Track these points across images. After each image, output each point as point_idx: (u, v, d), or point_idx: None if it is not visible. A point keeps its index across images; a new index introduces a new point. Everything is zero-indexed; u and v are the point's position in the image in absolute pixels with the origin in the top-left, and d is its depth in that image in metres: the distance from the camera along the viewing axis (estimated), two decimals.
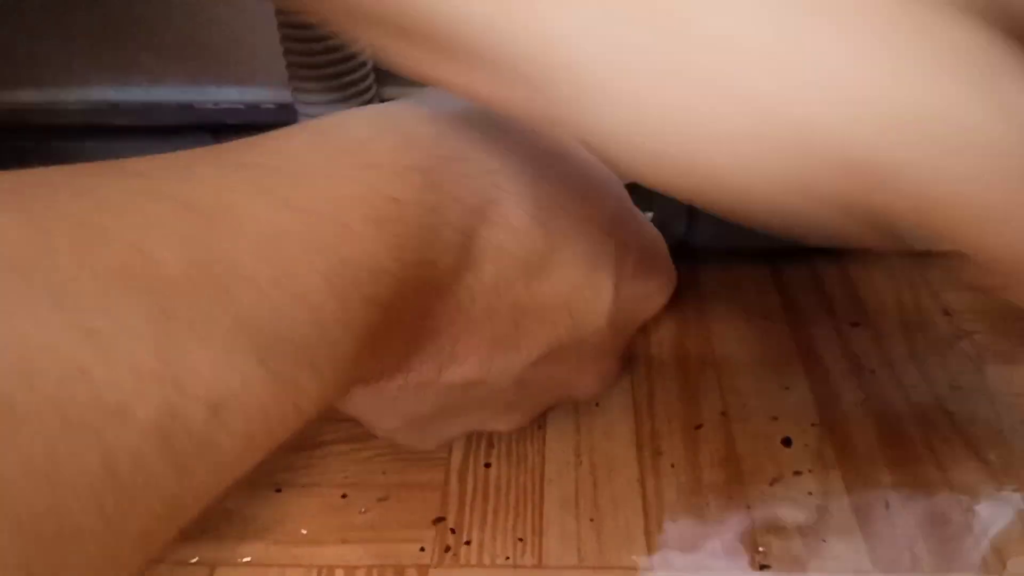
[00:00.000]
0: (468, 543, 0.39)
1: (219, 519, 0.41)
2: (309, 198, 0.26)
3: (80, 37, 0.50)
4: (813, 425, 0.45)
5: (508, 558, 0.39)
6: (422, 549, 0.39)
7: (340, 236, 0.26)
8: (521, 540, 0.39)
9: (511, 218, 0.33)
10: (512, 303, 0.34)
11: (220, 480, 0.23)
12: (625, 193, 0.39)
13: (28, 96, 0.51)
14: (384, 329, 0.28)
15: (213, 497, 0.24)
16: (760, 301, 0.55)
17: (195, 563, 0.39)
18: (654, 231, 0.42)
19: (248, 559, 0.39)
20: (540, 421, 0.46)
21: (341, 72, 0.44)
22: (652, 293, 0.40)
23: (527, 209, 0.33)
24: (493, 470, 0.43)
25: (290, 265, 0.24)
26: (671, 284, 0.41)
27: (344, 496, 0.42)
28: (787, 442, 0.44)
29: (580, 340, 0.37)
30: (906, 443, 0.43)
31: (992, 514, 0.40)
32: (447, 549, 0.39)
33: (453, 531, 0.40)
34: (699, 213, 0.56)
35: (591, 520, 0.40)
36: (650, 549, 0.39)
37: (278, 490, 0.42)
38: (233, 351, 0.22)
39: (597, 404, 0.47)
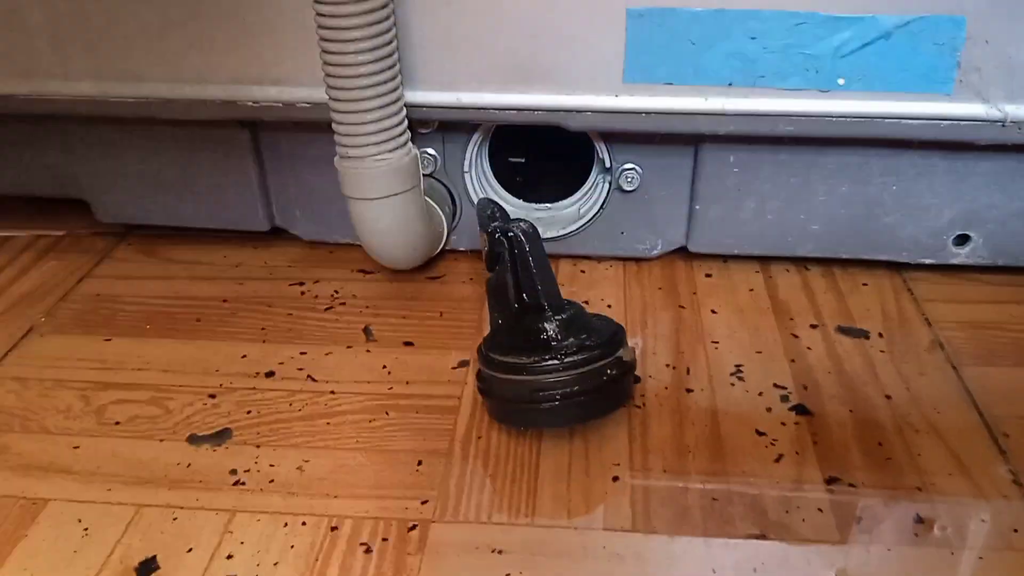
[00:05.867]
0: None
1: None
2: None
3: (138, 36, 0.54)
4: (793, 415, 0.48)
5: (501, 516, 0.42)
6: (422, 516, 0.42)
7: None
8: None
9: None
10: None
11: None
12: None
13: (86, 88, 0.56)
14: None
15: None
16: (752, 302, 0.58)
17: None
18: None
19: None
20: None
21: (374, 71, 0.48)
22: None
23: None
24: (493, 441, 0.47)
25: None
26: None
27: (353, 456, 0.46)
28: (760, 433, 0.47)
29: None
30: (881, 437, 0.47)
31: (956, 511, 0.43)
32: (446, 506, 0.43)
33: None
34: (696, 221, 0.60)
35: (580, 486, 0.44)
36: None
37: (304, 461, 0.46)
38: None
39: None
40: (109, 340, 0.56)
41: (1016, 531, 0.41)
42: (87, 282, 0.63)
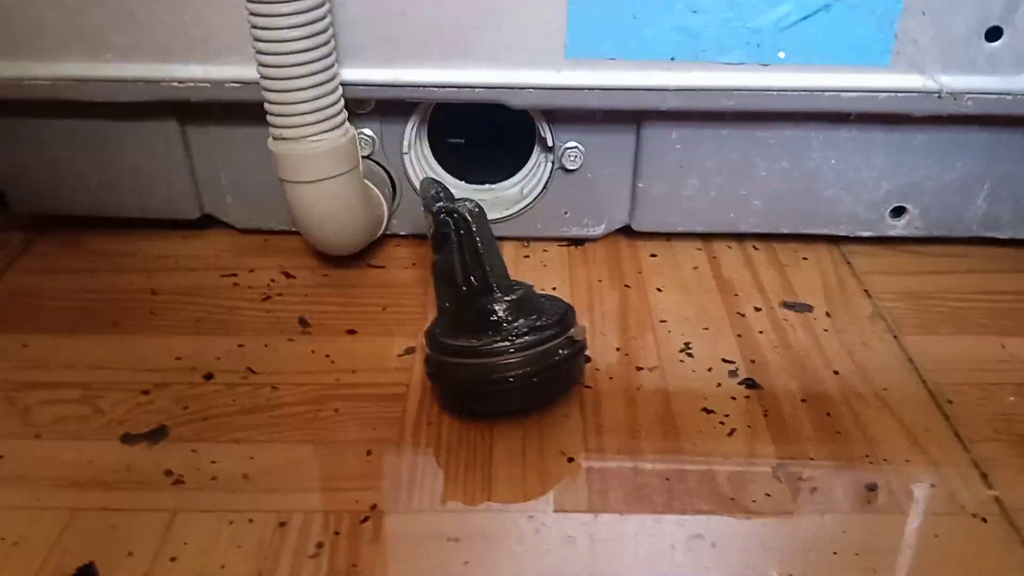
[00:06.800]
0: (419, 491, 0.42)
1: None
2: None
3: (52, 12, 0.51)
4: (743, 389, 0.48)
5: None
6: (373, 508, 0.41)
7: None
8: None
9: None
10: None
11: None
12: None
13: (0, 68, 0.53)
14: None
15: None
16: (697, 280, 0.58)
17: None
18: None
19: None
20: None
21: (308, 47, 0.46)
22: None
23: None
24: (444, 427, 0.46)
25: None
26: None
27: (299, 448, 0.44)
28: (711, 409, 0.47)
29: None
30: (829, 408, 0.47)
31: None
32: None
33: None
34: (640, 199, 0.60)
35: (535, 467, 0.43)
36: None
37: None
38: None
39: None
40: (32, 338, 0.53)
41: (965, 494, 0.41)
42: (6, 277, 0.59)
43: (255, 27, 0.47)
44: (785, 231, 0.61)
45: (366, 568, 0.38)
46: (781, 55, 0.51)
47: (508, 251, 0.61)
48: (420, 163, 0.60)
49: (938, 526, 0.40)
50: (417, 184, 0.59)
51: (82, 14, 0.51)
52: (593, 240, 0.62)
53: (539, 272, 0.59)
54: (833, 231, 0.61)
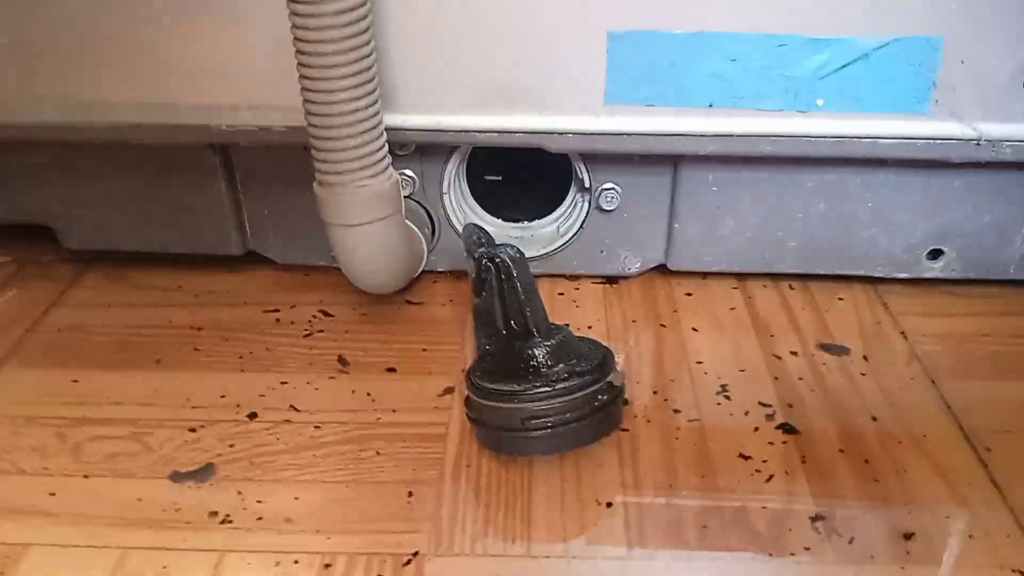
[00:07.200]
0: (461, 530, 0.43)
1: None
2: None
3: (107, 59, 0.53)
4: (780, 433, 0.49)
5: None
6: (415, 553, 0.42)
7: None
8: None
9: None
10: None
11: None
12: None
13: (54, 115, 0.54)
14: None
15: None
16: (733, 320, 0.59)
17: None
18: None
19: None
20: None
21: (355, 97, 0.47)
22: None
23: None
24: (484, 469, 0.46)
25: None
26: None
27: (342, 489, 0.45)
28: (749, 454, 0.47)
29: None
30: (867, 454, 0.47)
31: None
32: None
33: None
34: (676, 239, 0.60)
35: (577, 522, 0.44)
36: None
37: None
38: None
39: None
40: (81, 373, 0.54)
41: (1004, 547, 0.41)
42: (54, 311, 0.61)
43: (303, 76, 0.48)
44: (821, 272, 0.61)
45: None
46: (820, 102, 0.52)
47: (543, 288, 0.62)
48: (459, 202, 0.61)
49: None
50: (456, 222, 0.60)
51: (135, 62, 0.53)
52: (628, 278, 0.63)
53: (573, 311, 0.60)
54: (869, 272, 0.61)
